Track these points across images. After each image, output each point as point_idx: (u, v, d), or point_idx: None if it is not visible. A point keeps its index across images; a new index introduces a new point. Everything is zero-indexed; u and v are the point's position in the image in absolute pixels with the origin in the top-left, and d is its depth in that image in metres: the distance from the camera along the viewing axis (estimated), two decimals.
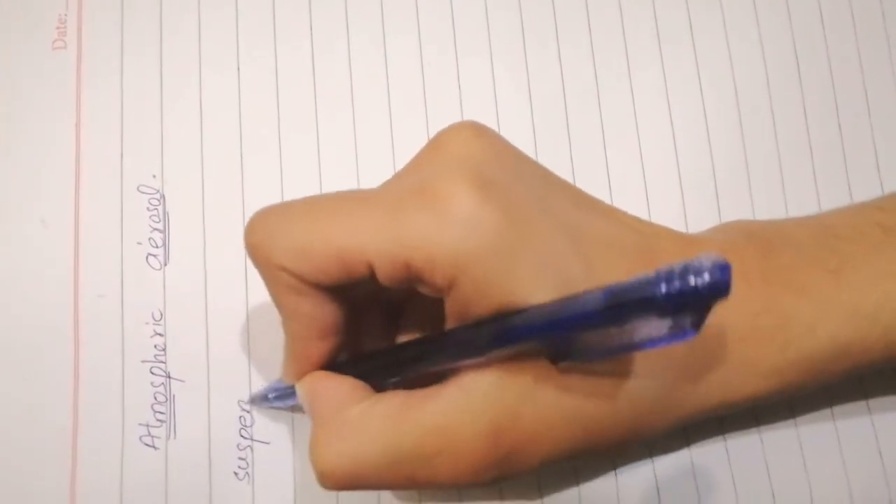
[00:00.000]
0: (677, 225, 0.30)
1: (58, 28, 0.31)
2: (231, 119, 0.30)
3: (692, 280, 0.16)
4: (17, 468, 0.27)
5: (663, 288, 0.17)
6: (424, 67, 0.32)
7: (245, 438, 0.28)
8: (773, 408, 0.29)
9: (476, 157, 0.22)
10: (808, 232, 0.27)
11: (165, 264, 0.29)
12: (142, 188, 0.30)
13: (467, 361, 0.22)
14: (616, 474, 0.29)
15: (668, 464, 0.29)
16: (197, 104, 0.30)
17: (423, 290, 0.22)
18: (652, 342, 0.19)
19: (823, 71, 0.33)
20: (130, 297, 0.29)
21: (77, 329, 0.28)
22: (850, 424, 0.30)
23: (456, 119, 0.31)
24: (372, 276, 0.21)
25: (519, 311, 0.20)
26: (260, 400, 0.28)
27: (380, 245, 0.21)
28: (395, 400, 0.22)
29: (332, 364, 0.24)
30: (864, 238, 0.26)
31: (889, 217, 0.26)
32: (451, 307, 0.22)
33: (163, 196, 0.30)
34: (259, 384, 0.28)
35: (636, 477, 0.29)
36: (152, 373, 0.28)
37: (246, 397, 0.28)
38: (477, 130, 0.23)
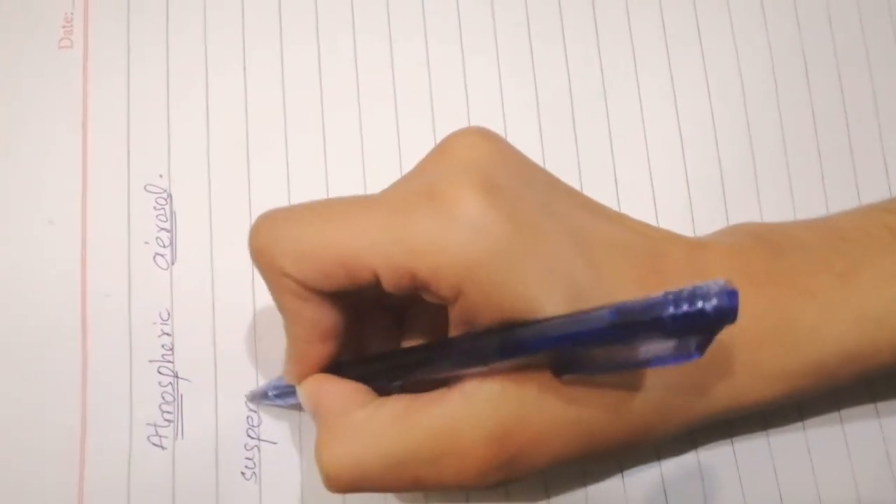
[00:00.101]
0: (685, 228, 0.30)
1: (64, 27, 0.31)
2: (237, 118, 0.30)
3: (700, 304, 0.16)
4: (25, 468, 0.27)
5: (671, 310, 0.17)
6: (431, 69, 0.31)
7: (252, 438, 0.28)
8: (781, 410, 0.29)
9: (483, 161, 0.22)
10: (815, 234, 0.26)
11: (172, 264, 0.29)
12: (149, 187, 0.30)
13: (471, 370, 0.22)
14: (623, 476, 0.29)
15: (675, 466, 0.29)
16: (203, 104, 0.30)
17: (428, 298, 0.22)
18: (657, 361, 0.19)
19: (831, 73, 0.33)
20: (138, 297, 0.29)
21: (84, 329, 0.28)
22: (859, 427, 0.30)
23: (462, 121, 0.31)
24: (377, 282, 0.21)
25: (526, 323, 0.20)
26: (260, 397, 0.28)
27: (384, 253, 0.21)
28: (399, 404, 0.22)
29: (334, 365, 0.24)
30: (872, 240, 0.26)
31: None
32: (455, 315, 0.22)
33: (170, 195, 0.30)
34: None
35: (644, 478, 0.29)
36: (160, 372, 0.28)
37: (253, 402, 0.28)
38: (484, 135, 0.23)
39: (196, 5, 0.31)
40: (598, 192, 0.28)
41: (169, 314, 0.29)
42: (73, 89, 0.30)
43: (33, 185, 0.29)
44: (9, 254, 0.29)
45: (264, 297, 0.29)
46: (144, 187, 0.30)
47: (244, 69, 0.31)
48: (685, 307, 0.17)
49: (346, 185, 0.30)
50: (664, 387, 0.23)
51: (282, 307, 0.23)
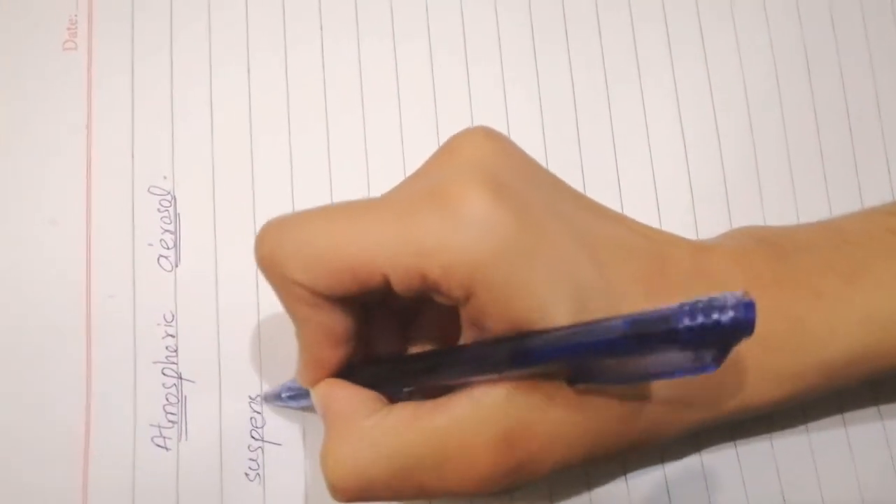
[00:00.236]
0: (688, 231, 0.30)
1: (68, 29, 0.31)
2: (241, 120, 0.30)
3: (716, 316, 0.16)
4: (29, 469, 0.27)
5: (686, 321, 0.16)
6: (434, 70, 0.31)
7: (256, 440, 0.28)
8: (784, 413, 0.29)
9: (488, 161, 0.22)
10: (819, 237, 0.26)
11: (177, 265, 0.29)
12: (153, 189, 0.30)
13: (482, 378, 0.22)
14: (627, 479, 0.29)
15: (679, 468, 0.29)
16: (207, 105, 0.30)
17: (439, 299, 0.22)
18: (671, 373, 0.19)
19: (834, 74, 0.33)
20: (142, 299, 0.29)
21: (89, 330, 0.28)
22: (862, 430, 0.30)
23: (466, 123, 0.31)
24: (387, 286, 0.21)
25: (538, 332, 0.20)
26: (273, 398, 0.28)
27: (394, 256, 0.20)
28: (406, 410, 0.22)
29: (346, 368, 0.24)
30: (874, 243, 0.26)
31: None
32: (467, 316, 0.22)
33: (174, 197, 0.30)
34: (270, 385, 0.28)
35: (647, 481, 0.29)
36: (164, 374, 0.28)
37: (257, 397, 0.28)
38: (489, 135, 0.23)
39: (200, 7, 0.31)
40: (602, 194, 0.28)
41: (173, 316, 0.29)
42: (78, 91, 0.30)
43: (37, 186, 0.29)
44: (12, 255, 0.29)
45: (268, 299, 0.29)
46: (148, 189, 0.30)
47: (248, 71, 0.31)
48: (700, 319, 0.16)
49: (350, 185, 0.30)
50: (673, 393, 0.23)
51: (292, 315, 0.23)
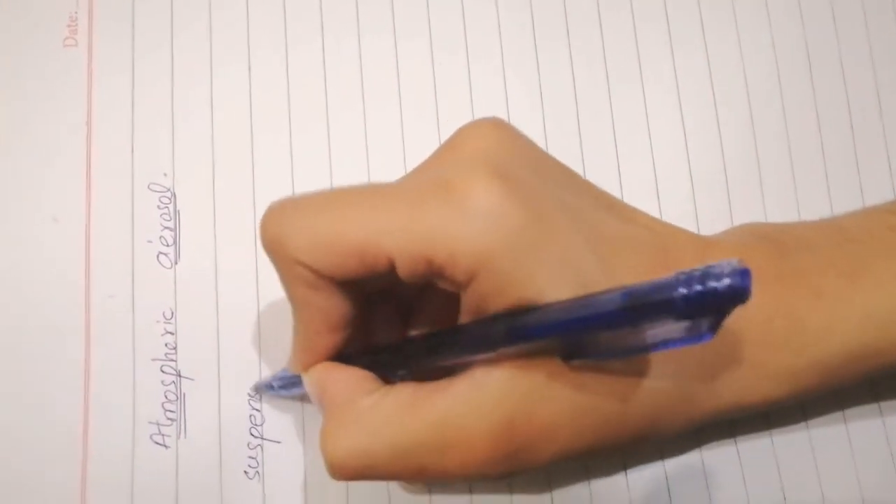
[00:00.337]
0: (689, 227, 0.30)
1: (69, 26, 0.31)
2: (242, 117, 0.30)
3: (712, 284, 0.16)
4: (27, 467, 0.27)
5: (683, 291, 0.16)
6: (435, 67, 0.32)
7: (255, 437, 0.28)
8: (785, 410, 0.29)
9: (496, 152, 0.22)
10: (820, 234, 0.27)
11: (176, 262, 0.29)
12: (152, 186, 0.30)
13: (479, 357, 0.22)
14: (627, 474, 0.29)
15: (679, 464, 0.29)
16: (208, 102, 0.30)
17: (442, 284, 0.22)
18: (667, 344, 0.19)
19: (835, 73, 0.33)
20: (141, 296, 0.29)
21: (88, 327, 0.28)
22: (862, 427, 0.30)
23: (467, 119, 0.31)
24: (391, 270, 0.21)
25: (534, 309, 0.20)
26: (265, 388, 0.28)
27: (401, 240, 0.20)
28: (405, 392, 0.22)
29: (341, 355, 0.24)
30: (875, 241, 0.26)
31: None
32: (467, 301, 0.22)
33: (173, 194, 0.30)
34: None
35: (647, 477, 0.29)
36: (163, 371, 0.28)
37: (256, 394, 0.28)
38: (497, 126, 0.23)
39: (201, 4, 0.31)
40: (603, 187, 0.28)
41: (172, 313, 0.29)
42: (78, 88, 0.30)
43: (37, 184, 0.29)
44: (12, 252, 0.29)
45: (268, 296, 0.29)
46: (148, 186, 0.30)
47: (249, 68, 0.31)
48: (697, 287, 0.16)
49: (350, 183, 0.30)
50: (671, 381, 0.23)
51: (292, 296, 0.23)
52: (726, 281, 0.16)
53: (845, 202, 0.32)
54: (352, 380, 0.23)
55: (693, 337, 0.18)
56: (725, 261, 0.16)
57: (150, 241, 0.29)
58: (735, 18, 0.33)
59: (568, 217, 0.22)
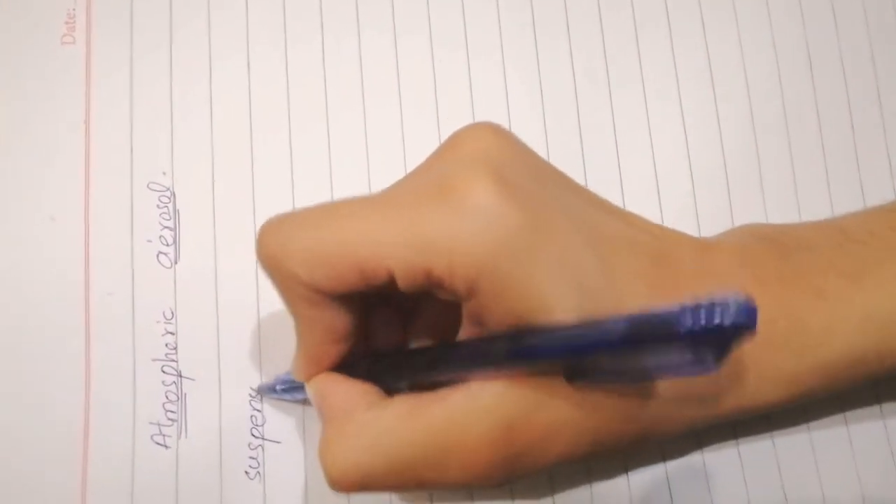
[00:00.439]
0: (689, 228, 0.30)
1: (66, 23, 0.30)
2: (241, 116, 0.30)
3: (717, 318, 0.16)
4: (27, 467, 0.27)
5: (688, 322, 0.16)
6: (435, 65, 0.31)
7: (256, 437, 0.28)
8: (786, 412, 0.29)
9: (493, 155, 0.22)
10: (821, 235, 0.26)
11: (176, 262, 0.29)
12: (152, 185, 0.30)
13: (479, 374, 0.22)
14: (628, 475, 0.29)
15: (680, 466, 0.29)
16: (207, 101, 0.30)
17: (442, 295, 0.22)
18: (671, 371, 0.19)
19: (836, 72, 0.33)
20: (141, 296, 0.29)
21: (88, 328, 0.28)
22: (863, 429, 0.30)
23: (467, 118, 0.31)
24: (392, 282, 0.21)
25: (538, 329, 0.20)
26: (267, 390, 0.28)
27: (398, 252, 0.20)
28: (404, 404, 0.22)
29: (343, 365, 0.24)
30: (877, 241, 0.26)
31: None
32: (469, 311, 0.22)
33: (173, 193, 0.30)
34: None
35: (649, 478, 0.29)
36: (163, 371, 0.28)
37: (257, 395, 0.28)
38: (493, 130, 0.23)
39: (199, 2, 0.31)
40: (603, 190, 0.28)
41: (172, 313, 0.29)
42: (76, 86, 0.30)
43: (35, 183, 0.29)
44: (11, 252, 0.28)
45: (268, 296, 0.29)
46: (147, 185, 0.29)
47: (248, 66, 0.31)
48: (702, 321, 0.16)
49: (350, 181, 0.30)
50: (673, 391, 0.23)
51: (293, 313, 0.23)
52: (732, 315, 0.16)
53: (846, 200, 0.32)
54: (353, 392, 0.23)
55: (697, 368, 0.18)
56: (732, 294, 0.16)
57: (149, 241, 0.29)
58: (735, 17, 0.33)
59: (568, 221, 0.22)
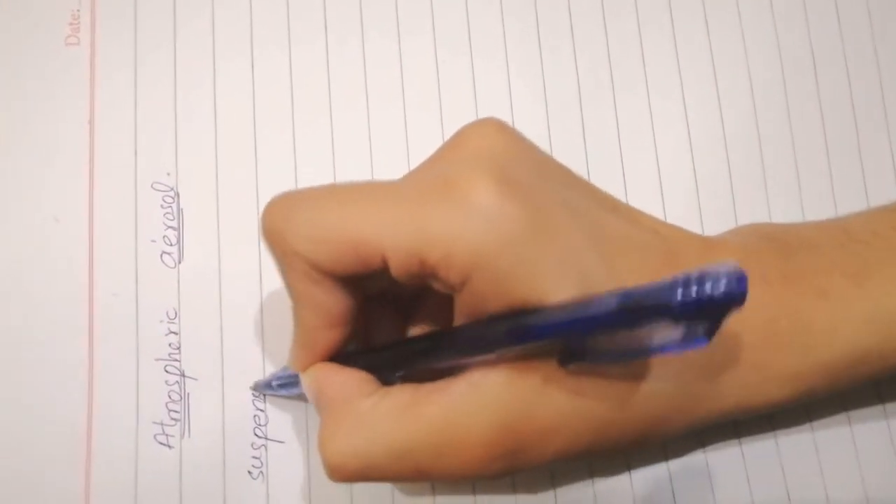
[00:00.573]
0: (693, 227, 0.30)
1: (71, 24, 0.31)
2: (245, 116, 0.30)
3: (708, 288, 0.16)
4: (31, 467, 0.27)
5: (679, 294, 0.17)
6: (439, 65, 0.31)
7: (259, 437, 0.28)
8: (789, 411, 0.29)
9: (498, 153, 0.22)
10: (825, 235, 0.26)
11: (180, 262, 0.29)
12: (156, 185, 0.30)
13: (477, 358, 0.22)
14: (631, 473, 0.29)
15: (683, 465, 0.29)
16: (211, 101, 0.30)
17: (436, 285, 0.22)
18: (664, 348, 0.19)
19: (840, 73, 0.33)
20: (145, 296, 0.29)
21: (91, 327, 0.28)
22: (866, 428, 0.30)
23: (471, 117, 0.31)
24: (386, 269, 0.21)
25: (532, 310, 0.20)
26: (264, 387, 0.28)
27: (395, 237, 0.21)
28: (403, 393, 0.22)
29: (339, 355, 0.24)
30: (880, 241, 0.26)
31: None
32: (462, 304, 0.22)
33: (177, 193, 0.30)
34: None
35: (651, 477, 0.29)
36: (167, 371, 0.28)
37: (260, 394, 0.28)
38: (499, 127, 0.23)
39: (204, 2, 0.31)
40: (607, 190, 0.28)
41: (176, 313, 0.29)
42: (80, 86, 0.30)
43: (39, 183, 0.29)
44: (15, 252, 0.29)
45: (272, 296, 0.29)
46: (151, 185, 0.30)
47: (252, 66, 0.31)
48: (693, 291, 0.16)
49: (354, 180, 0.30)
50: (672, 383, 0.23)
51: (291, 289, 0.23)
52: (722, 284, 0.16)
53: (849, 200, 0.32)
54: (350, 381, 0.23)
55: (689, 342, 0.18)
56: (723, 263, 0.17)
57: (153, 241, 0.29)
58: (739, 18, 0.33)
59: (570, 217, 0.22)
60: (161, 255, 0.29)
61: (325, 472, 0.22)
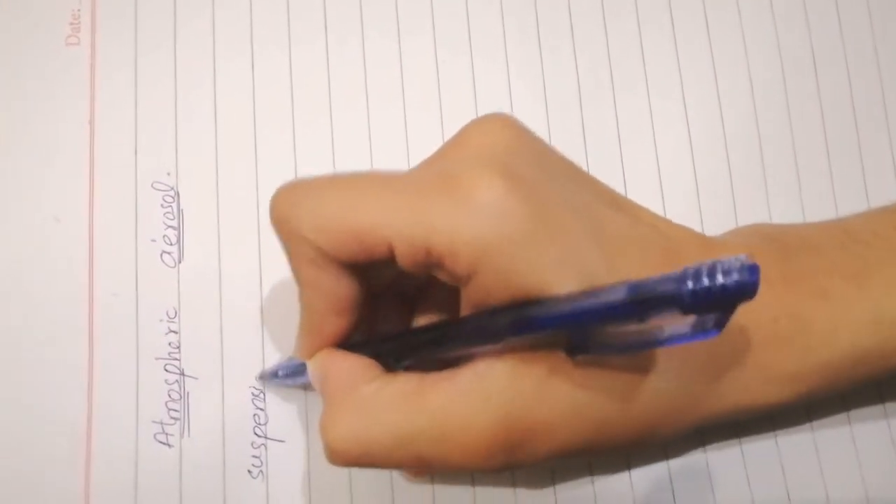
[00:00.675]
0: (693, 226, 0.30)
1: (71, 24, 0.31)
2: (245, 116, 0.30)
3: (720, 279, 0.16)
4: (31, 466, 0.27)
5: (690, 285, 0.17)
6: (439, 64, 0.31)
7: (259, 436, 0.28)
8: (789, 411, 0.29)
9: (502, 148, 0.22)
10: (825, 235, 0.26)
11: (180, 261, 0.29)
12: (156, 185, 0.30)
13: (483, 348, 0.22)
14: (631, 472, 0.29)
15: (683, 464, 0.29)
16: (211, 101, 0.30)
17: (441, 276, 0.22)
18: (673, 339, 0.19)
19: (840, 73, 0.33)
20: (145, 295, 0.29)
21: (91, 327, 0.28)
22: (867, 428, 0.30)
23: (471, 117, 0.31)
24: (391, 258, 0.21)
25: (540, 300, 0.20)
26: (269, 376, 0.28)
27: (401, 227, 0.21)
28: (409, 381, 0.22)
29: (345, 345, 0.24)
30: (881, 242, 0.26)
31: None
32: (467, 296, 0.22)
33: (177, 193, 0.30)
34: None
35: (651, 476, 0.29)
36: (166, 370, 0.28)
37: (260, 393, 0.28)
38: (505, 123, 0.23)
39: (204, 2, 0.31)
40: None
41: (176, 312, 0.29)
42: (81, 86, 0.30)
43: (40, 183, 0.29)
44: (15, 252, 0.29)
45: (272, 295, 0.29)
46: (152, 185, 0.30)
47: (252, 66, 0.31)
48: (705, 282, 0.16)
49: None
50: (675, 381, 0.23)
51: (299, 275, 0.23)
52: (734, 276, 0.16)
53: (849, 200, 0.32)
54: (355, 367, 0.23)
55: (698, 333, 0.18)
56: (734, 256, 0.16)
57: (153, 240, 0.29)
58: (739, 18, 0.33)
59: (573, 213, 0.22)
60: (161, 255, 0.29)
61: (326, 456, 0.22)
